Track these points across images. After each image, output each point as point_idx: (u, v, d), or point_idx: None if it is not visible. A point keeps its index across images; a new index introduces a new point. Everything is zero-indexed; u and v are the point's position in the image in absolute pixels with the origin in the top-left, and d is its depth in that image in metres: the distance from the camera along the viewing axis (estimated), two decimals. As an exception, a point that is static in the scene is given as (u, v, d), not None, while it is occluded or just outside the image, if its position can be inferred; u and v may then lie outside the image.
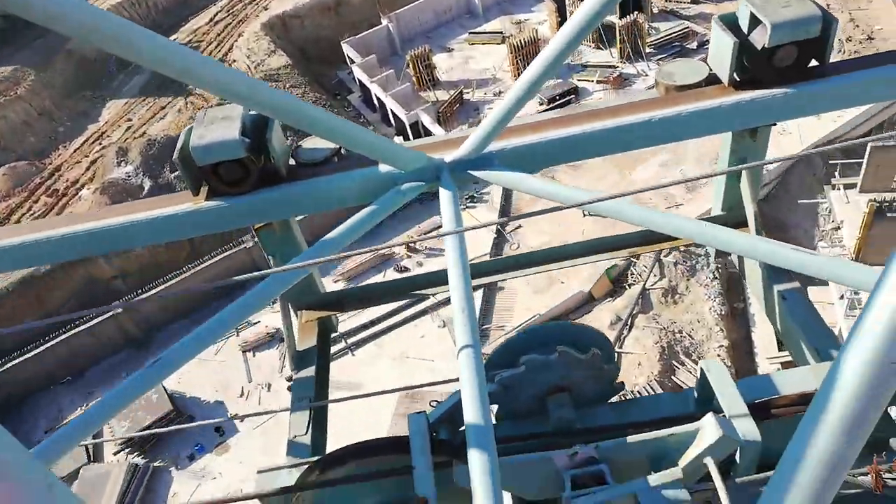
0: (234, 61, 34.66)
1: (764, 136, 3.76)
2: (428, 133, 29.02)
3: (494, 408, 3.55)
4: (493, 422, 3.57)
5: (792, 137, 27.85)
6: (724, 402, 2.87)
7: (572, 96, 30.88)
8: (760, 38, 3.32)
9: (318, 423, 4.05)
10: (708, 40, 28.85)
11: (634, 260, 25.05)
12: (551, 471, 2.77)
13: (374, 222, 3.60)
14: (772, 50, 3.32)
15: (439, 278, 4.20)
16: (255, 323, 24.94)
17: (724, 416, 2.80)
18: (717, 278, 24.76)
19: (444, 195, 3.58)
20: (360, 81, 33.98)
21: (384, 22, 36.51)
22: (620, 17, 32.00)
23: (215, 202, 3.70)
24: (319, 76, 36.51)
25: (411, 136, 29.10)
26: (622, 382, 3.54)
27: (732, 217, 4.16)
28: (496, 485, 2.27)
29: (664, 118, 3.57)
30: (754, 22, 3.38)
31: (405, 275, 4.45)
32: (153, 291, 24.87)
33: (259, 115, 3.71)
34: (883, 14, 30.88)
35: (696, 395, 3.26)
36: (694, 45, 32.58)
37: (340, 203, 3.79)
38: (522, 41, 32.14)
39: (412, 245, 27.19)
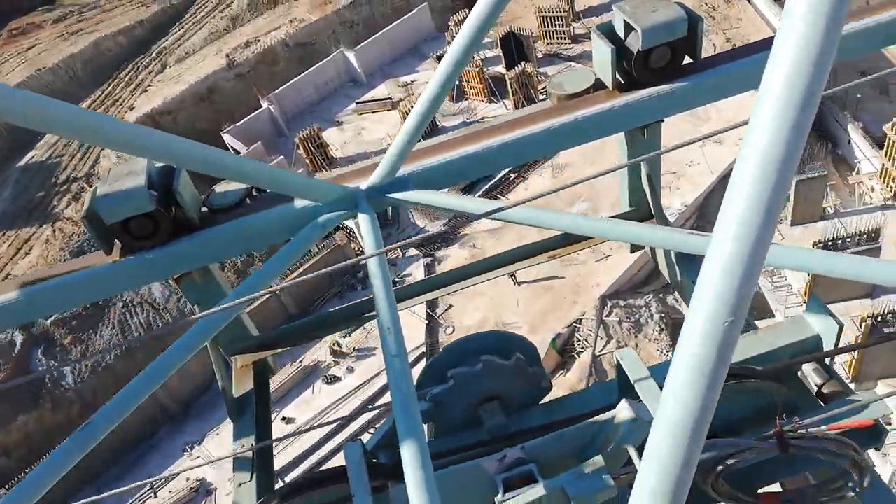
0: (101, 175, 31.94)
1: (655, 133, 4.00)
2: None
3: (431, 425, 3.62)
4: (431, 438, 3.64)
5: (700, 167, 29.27)
6: (639, 387, 3.03)
7: None
8: (635, 43, 3.56)
9: (264, 467, 4.02)
10: None
11: (577, 325, 25.37)
12: (484, 477, 2.85)
13: (296, 257, 3.64)
14: (647, 52, 3.56)
15: (365, 306, 4.26)
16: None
17: (639, 401, 2.95)
18: (664, 329, 25.40)
19: (364, 221, 3.66)
20: (234, 148, 32.07)
21: (264, 104, 34.85)
22: (508, 69, 32.78)
23: (129, 259, 3.66)
24: (202, 174, 34.95)
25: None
26: (550, 383, 3.67)
27: (638, 213, 4.39)
28: (434, 499, 2.33)
29: (560, 125, 3.76)
30: (628, 28, 3.62)
31: (342, 306, 4.47)
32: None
33: (165, 166, 3.70)
34: (753, 32, 33.13)
35: (617, 384, 3.42)
36: None
37: (259, 244, 3.81)
38: (414, 105, 32.17)
39: (338, 350, 26.69)
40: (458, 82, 33.48)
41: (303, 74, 36.98)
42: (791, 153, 1.64)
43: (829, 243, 21.23)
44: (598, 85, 3.86)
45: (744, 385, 3.30)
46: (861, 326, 19.18)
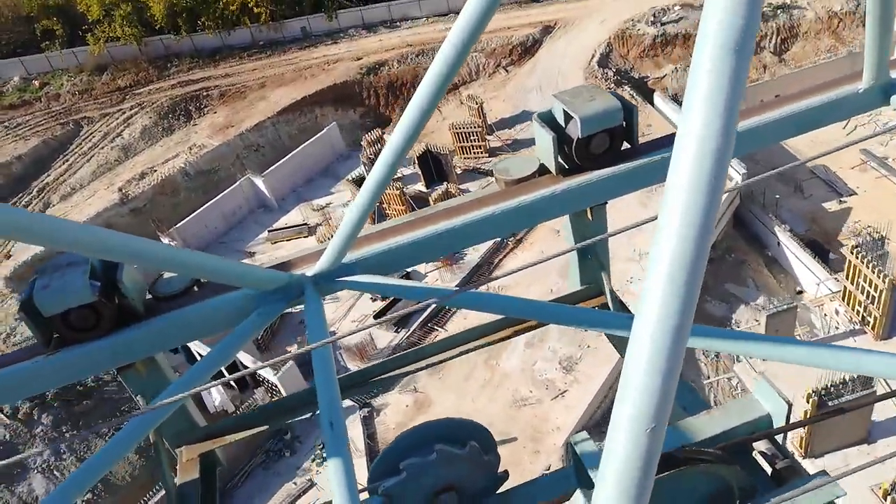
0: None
1: (600, 215, 4.09)
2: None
3: None
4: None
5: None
6: (593, 474, 2.96)
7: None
8: (575, 131, 3.69)
9: (207, 570, 3.80)
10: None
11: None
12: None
13: (239, 347, 3.57)
14: (587, 139, 3.69)
15: (308, 397, 4.16)
16: None
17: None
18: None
19: (309, 309, 3.62)
20: None
21: (165, 241, 31.06)
22: (428, 187, 33.00)
23: (69, 351, 3.55)
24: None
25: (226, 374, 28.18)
26: (506, 471, 3.57)
27: (589, 292, 4.42)
28: None
29: (507, 209, 3.83)
30: (567, 117, 3.76)
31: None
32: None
33: (109, 256, 3.65)
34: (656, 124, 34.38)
35: (574, 471, 3.34)
36: None
37: (204, 333, 3.73)
38: (333, 231, 30.39)
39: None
40: (377, 205, 32.92)
41: (207, 204, 34.33)
42: (700, 244, 1.67)
43: (824, 393, 18.42)
44: (542, 170, 3.96)
45: (700, 469, 3.24)
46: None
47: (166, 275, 3.88)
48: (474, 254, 30.31)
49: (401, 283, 3.72)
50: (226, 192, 35.60)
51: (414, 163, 33.65)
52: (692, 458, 3.21)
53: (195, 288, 3.86)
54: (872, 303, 23.40)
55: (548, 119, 3.87)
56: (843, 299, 25.12)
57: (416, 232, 3.83)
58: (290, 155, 37.91)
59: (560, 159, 3.85)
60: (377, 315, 27.98)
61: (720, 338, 2.91)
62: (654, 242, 1.69)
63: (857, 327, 24.51)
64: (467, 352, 4.39)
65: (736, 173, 29.70)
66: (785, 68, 40.44)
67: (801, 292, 29.52)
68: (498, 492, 3.62)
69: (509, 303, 3.44)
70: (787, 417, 3.46)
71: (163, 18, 46.82)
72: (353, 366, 27.93)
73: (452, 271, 30.24)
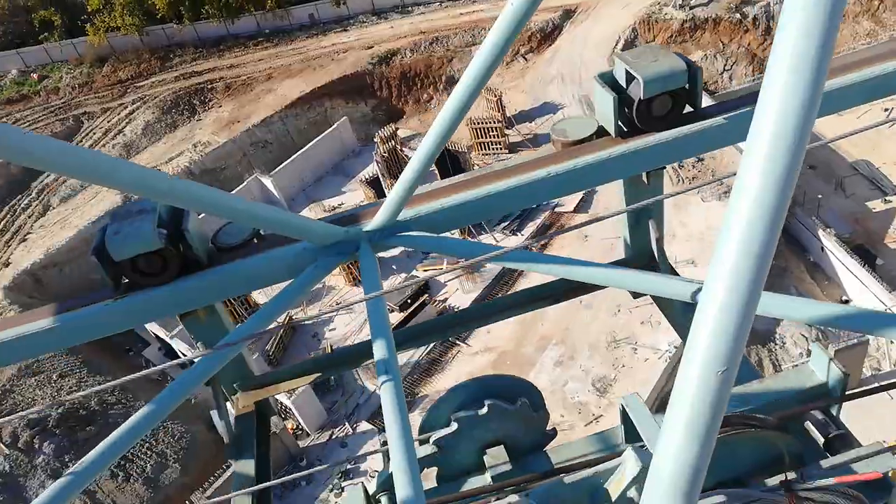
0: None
1: (657, 180, 4.04)
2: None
3: (434, 470, 3.57)
4: (435, 484, 3.59)
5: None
6: (643, 432, 2.99)
7: (426, 295, 28.68)
8: (636, 92, 3.63)
9: (263, 508, 3.98)
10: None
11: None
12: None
13: (296, 299, 3.68)
14: (648, 101, 3.63)
15: (364, 349, 4.27)
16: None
17: (643, 447, 2.91)
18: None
19: (364, 264, 3.70)
20: (155, 334, 28.57)
21: None
22: None
23: (136, 296, 3.71)
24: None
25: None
26: (554, 428, 3.62)
27: (639, 260, 4.40)
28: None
29: (561, 172, 3.81)
30: (630, 78, 3.70)
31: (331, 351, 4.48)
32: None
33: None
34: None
35: (623, 430, 3.37)
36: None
37: (263, 283, 3.85)
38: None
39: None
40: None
41: (213, 207, 34.20)
42: (780, 202, 1.66)
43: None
44: (601, 132, 3.92)
45: (751, 434, 3.24)
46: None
47: (229, 226, 4.00)
48: (496, 267, 28.97)
49: (454, 238, 3.75)
50: (233, 192, 34.65)
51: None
52: (746, 423, 3.20)
53: (255, 240, 3.98)
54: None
55: (609, 80, 3.82)
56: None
57: (470, 191, 3.85)
58: (299, 152, 35.90)
59: (620, 122, 3.81)
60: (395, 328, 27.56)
61: (792, 304, 2.88)
62: (733, 195, 1.68)
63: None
64: (516, 313, 4.42)
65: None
66: None
67: (847, 301, 27.68)
68: (545, 448, 3.68)
69: (561, 263, 3.45)
70: (843, 388, 3.42)
71: (165, 7, 44.74)
72: (371, 386, 26.83)
73: (474, 280, 29.54)
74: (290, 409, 25.42)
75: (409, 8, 47.00)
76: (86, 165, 2.73)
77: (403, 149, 34.75)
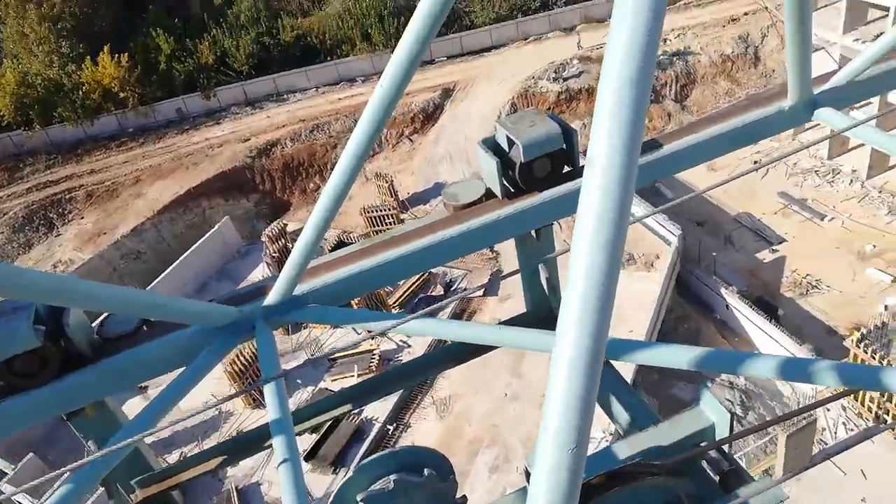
0: None
1: (547, 236, 4.18)
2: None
3: None
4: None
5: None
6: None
7: (347, 406, 26.25)
8: (517, 156, 3.79)
9: None
10: (441, 294, 30.00)
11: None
12: None
13: (191, 386, 3.54)
14: (529, 164, 3.79)
15: (266, 431, 4.14)
16: None
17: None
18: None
19: (261, 343, 3.62)
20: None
21: None
22: None
23: (14, 399, 3.47)
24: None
25: None
26: (464, 496, 3.60)
27: (538, 314, 4.51)
28: None
29: (454, 235, 3.90)
30: (510, 142, 3.86)
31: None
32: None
33: (54, 299, 3.59)
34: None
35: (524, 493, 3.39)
36: (439, 290, 30.21)
37: (153, 373, 3.69)
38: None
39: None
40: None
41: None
42: (609, 270, 1.74)
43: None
44: (489, 194, 4.04)
45: (649, 482, 3.33)
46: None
47: (115, 314, 3.83)
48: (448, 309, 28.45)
49: (351, 311, 3.75)
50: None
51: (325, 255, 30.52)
52: (642, 472, 3.29)
53: (144, 327, 3.82)
54: (889, 400, 21.38)
55: (491, 144, 3.97)
56: (855, 398, 22.93)
57: (367, 260, 3.87)
58: (178, 260, 32.63)
59: (505, 182, 3.94)
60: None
61: (640, 349, 3.02)
62: (570, 268, 1.76)
63: (870, 424, 22.53)
64: (410, 384, 4.42)
65: (672, 235, 29.35)
66: (688, 115, 40.66)
67: None
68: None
69: (456, 330, 3.50)
70: (731, 427, 3.58)
71: (10, 112, 40.75)
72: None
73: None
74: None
75: (285, 96, 45.17)
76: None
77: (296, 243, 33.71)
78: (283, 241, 32.56)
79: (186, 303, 3.58)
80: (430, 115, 41.75)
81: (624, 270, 29.73)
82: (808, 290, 30.45)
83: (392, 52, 3.08)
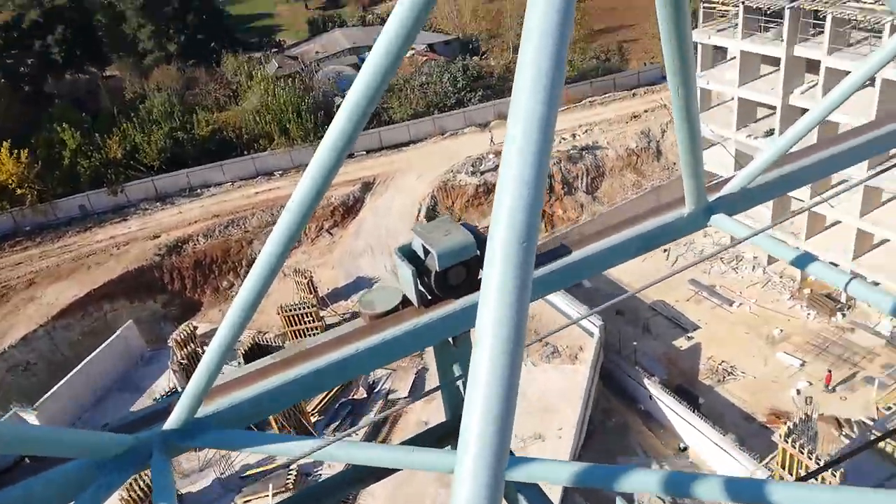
0: None
1: (465, 343, 4.13)
2: None
3: None
4: None
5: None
6: None
7: None
8: (432, 265, 3.77)
9: None
10: (364, 397, 29.21)
11: None
12: None
13: (78, 527, 3.14)
14: (444, 272, 3.77)
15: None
16: None
17: None
18: None
19: (156, 474, 3.30)
20: None
21: None
22: None
23: None
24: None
25: None
26: None
27: (456, 423, 4.39)
28: None
29: (371, 345, 3.78)
30: (426, 251, 3.85)
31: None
32: None
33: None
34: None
35: None
36: (362, 392, 29.12)
37: (33, 515, 3.26)
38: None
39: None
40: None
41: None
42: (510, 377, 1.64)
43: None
44: (406, 302, 3.98)
45: None
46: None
47: (-13, 452, 3.41)
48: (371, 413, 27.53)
49: (258, 435, 3.49)
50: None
51: (239, 361, 26.59)
52: None
53: (27, 460, 3.41)
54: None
55: (407, 252, 3.95)
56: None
57: (278, 375, 3.66)
58: (73, 371, 29.41)
59: (422, 289, 3.90)
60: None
61: (542, 464, 2.95)
62: (470, 376, 1.68)
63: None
64: None
65: (594, 326, 30.04)
66: (599, 205, 42.97)
67: (685, 449, 28.24)
68: None
69: (372, 451, 3.31)
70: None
71: None
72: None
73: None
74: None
75: (198, 191, 43.68)
76: None
77: (205, 349, 31.89)
78: (192, 345, 30.07)
79: (69, 434, 3.23)
80: (350, 209, 41.77)
81: (549, 364, 30.02)
82: (724, 377, 31.50)
83: (311, 146, 3.05)
